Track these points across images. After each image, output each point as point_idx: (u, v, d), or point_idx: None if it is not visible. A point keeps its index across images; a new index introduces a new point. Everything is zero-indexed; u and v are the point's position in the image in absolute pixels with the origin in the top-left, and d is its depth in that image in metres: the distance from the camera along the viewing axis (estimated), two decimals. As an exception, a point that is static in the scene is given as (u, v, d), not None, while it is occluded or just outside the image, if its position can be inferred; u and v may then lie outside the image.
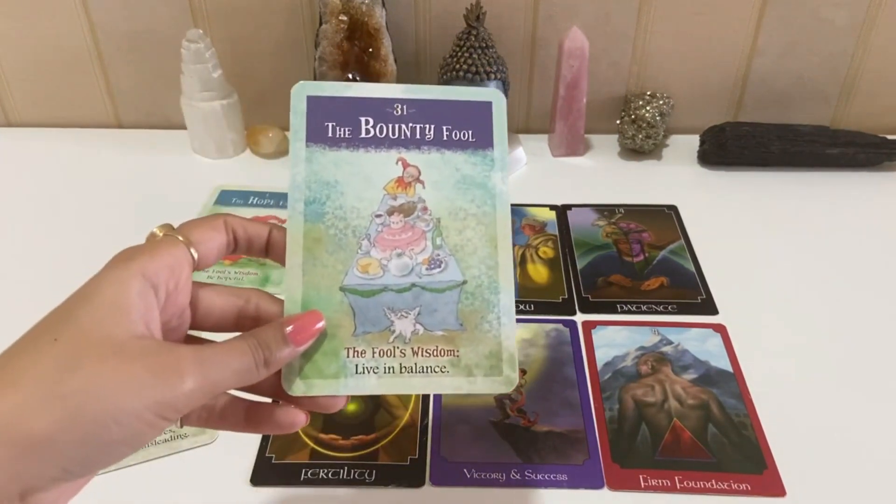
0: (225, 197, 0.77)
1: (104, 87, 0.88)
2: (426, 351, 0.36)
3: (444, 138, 0.39)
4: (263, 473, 0.49)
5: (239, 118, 0.84)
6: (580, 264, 0.69)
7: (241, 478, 0.49)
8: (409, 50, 0.85)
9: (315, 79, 0.77)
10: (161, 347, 0.30)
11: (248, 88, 0.86)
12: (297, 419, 0.35)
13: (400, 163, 0.38)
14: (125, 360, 0.28)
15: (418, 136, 0.38)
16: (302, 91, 0.38)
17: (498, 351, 0.36)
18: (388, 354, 0.35)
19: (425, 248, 0.37)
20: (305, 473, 0.49)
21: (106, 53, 0.86)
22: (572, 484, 0.49)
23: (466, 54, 0.77)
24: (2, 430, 0.26)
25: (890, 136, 0.83)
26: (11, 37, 0.85)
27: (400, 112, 0.38)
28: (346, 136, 0.38)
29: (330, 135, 0.38)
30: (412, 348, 0.36)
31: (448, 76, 0.78)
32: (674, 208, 0.76)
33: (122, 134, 0.90)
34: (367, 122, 0.38)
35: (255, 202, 0.76)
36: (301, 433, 0.52)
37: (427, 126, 0.39)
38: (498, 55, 0.78)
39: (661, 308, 0.64)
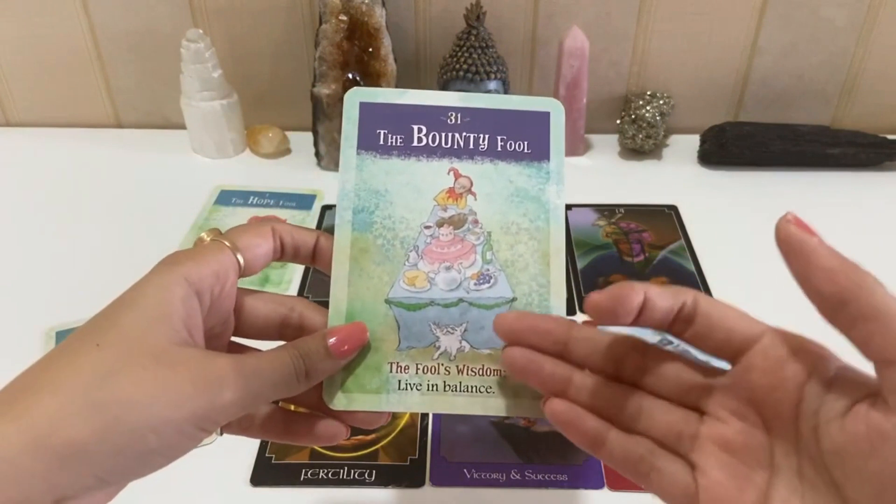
0: (225, 197, 0.77)
1: (104, 87, 0.88)
2: (471, 370, 0.34)
3: (499, 149, 0.37)
4: (263, 473, 0.49)
5: (239, 118, 0.84)
6: (580, 264, 0.69)
7: (241, 478, 0.49)
8: (409, 50, 0.85)
9: (314, 78, 0.77)
10: (203, 357, 0.29)
11: (247, 88, 0.86)
12: (338, 432, 0.34)
13: (452, 173, 0.37)
14: (166, 369, 0.28)
15: (472, 146, 0.37)
16: (355, 97, 0.37)
17: None
18: (433, 371, 0.34)
19: (475, 262, 0.36)
20: (305, 473, 0.49)
21: (106, 53, 0.86)
22: (572, 484, 0.49)
23: (466, 54, 0.77)
24: (39, 438, 0.25)
25: (890, 136, 0.83)
26: (11, 37, 0.84)
27: (454, 120, 0.37)
28: (398, 143, 0.37)
29: (381, 142, 0.37)
30: (457, 366, 0.34)
31: (448, 76, 0.78)
32: (674, 208, 0.76)
33: (121, 134, 0.90)
34: (419, 131, 0.37)
35: (254, 202, 0.76)
36: (301, 433, 0.52)
37: (481, 136, 0.37)
38: (498, 55, 0.78)
39: None
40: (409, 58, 0.85)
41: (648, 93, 0.85)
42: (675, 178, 0.82)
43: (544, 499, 0.48)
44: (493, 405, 0.34)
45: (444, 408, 0.34)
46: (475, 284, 0.35)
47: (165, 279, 0.30)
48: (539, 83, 0.87)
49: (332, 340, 0.32)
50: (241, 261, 0.33)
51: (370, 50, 0.76)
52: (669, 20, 0.82)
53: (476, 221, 0.36)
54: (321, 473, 0.49)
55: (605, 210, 0.76)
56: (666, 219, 0.75)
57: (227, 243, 0.33)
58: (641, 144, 0.83)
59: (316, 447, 0.51)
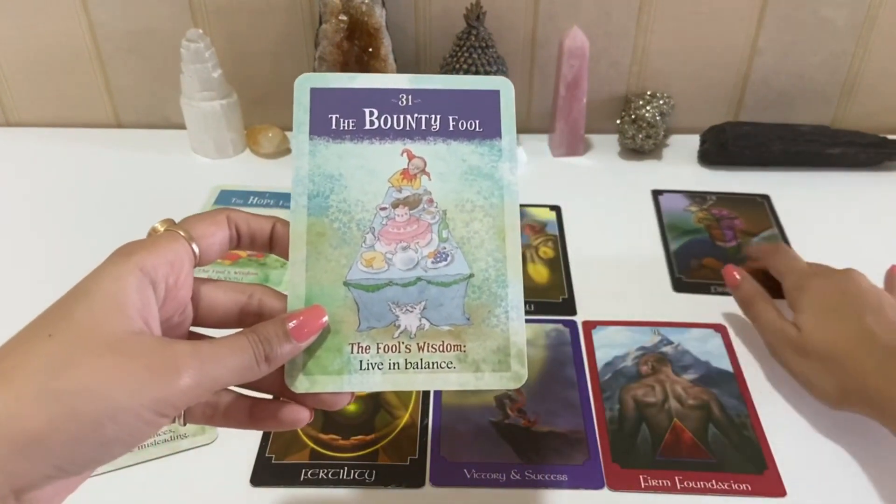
0: (225, 197, 0.77)
1: (104, 87, 0.88)
2: (432, 346, 0.35)
3: (451, 129, 0.38)
4: (263, 473, 0.49)
5: (239, 118, 0.84)
6: (673, 247, 0.71)
7: (241, 478, 0.49)
8: (409, 50, 0.85)
9: (315, 78, 0.77)
10: (158, 343, 0.29)
11: (247, 88, 0.86)
12: (301, 416, 0.35)
13: (405, 154, 0.37)
14: (121, 356, 0.28)
15: (424, 127, 0.38)
16: (305, 83, 0.38)
17: (506, 346, 0.35)
18: (393, 350, 0.35)
19: (431, 241, 0.36)
20: (305, 474, 0.49)
21: (105, 53, 0.86)
22: (572, 484, 0.49)
23: (466, 54, 0.77)
24: None
25: (891, 136, 0.83)
26: (11, 37, 0.84)
27: (405, 102, 0.38)
28: (350, 128, 0.37)
29: (333, 127, 0.37)
30: (417, 344, 0.35)
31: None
32: (766, 197, 0.78)
33: (121, 134, 0.90)
34: (371, 114, 0.38)
35: (254, 202, 0.76)
36: (301, 433, 0.52)
37: (433, 116, 0.38)
38: (498, 55, 0.78)
39: None
40: (409, 58, 0.85)
41: (648, 93, 0.85)
42: (675, 179, 0.82)
43: (544, 499, 0.48)
44: (454, 380, 0.35)
45: (406, 385, 0.35)
46: (432, 263, 0.36)
47: (119, 269, 0.30)
48: (539, 83, 0.87)
49: (291, 324, 0.32)
50: (196, 250, 0.33)
51: (370, 50, 0.76)
52: (669, 20, 0.82)
53: (431, 201, 0.37)
54: (321, 473, 0.49)
55: (697, 197, 0.78)
56: (758, 207, 0.77)
57: (181, 233, 0.33)
58: (641, 144, 0.83)
59: (313, 447, 0.51)
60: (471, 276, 0.36)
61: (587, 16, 0.82)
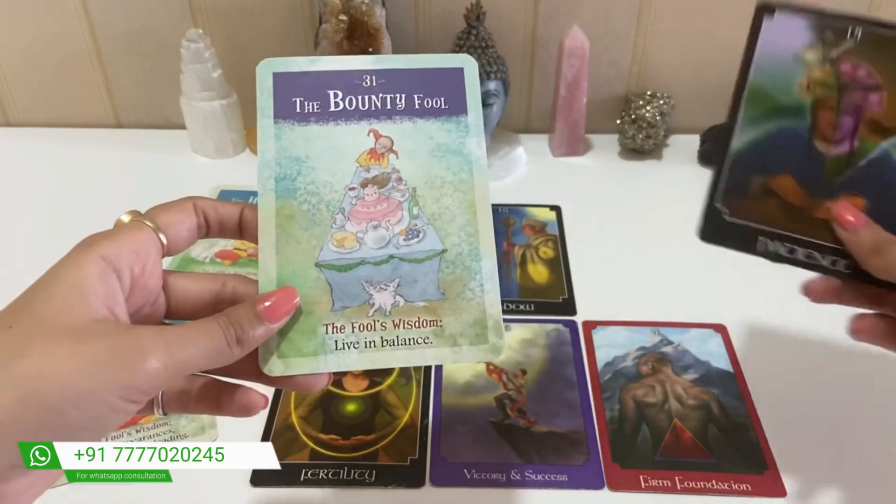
0: (224, 197, 0.77)
1: (104, 87, 0.88)
2: (408, 323, 0.35)
3: (416, 107, 0.38)
4: (263, 474, 0.49)
5: (238, 118, 0.84)
6: (738, 142, 0.41)
7: (241, 478, 0.49)
8: (409, 50, 0.85)
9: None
10: (121, 328, 0.29)
11: (247, 88, 0.85)
12: (255, 401, 0.34)
13: (371, 134, 0.37)
14: (81, 342, 0.27)
15: (389, 107, 0.38)
16: (268, 68, 0.38)
17: (482, 318, 0.35)
18: (369, 328, 0.35)
19: (402, 218, 0.36)
20: (305, 474, 0.49)
21: (105, 53, 0.86)
22: (572, 484, 0.49)
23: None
24: None
25: (890, 136, 0.82)
26: (11, 37, 0.84)
27: (369, 83, 0.38)
28: (315, 110, 0.37)
29: (298, 110, 0.37)
30: (393, 321, 0.35)
31: (448, 76, 0.78)
32: None
33: (121, 134, 0.90)
34: (335, 96, 0.38)
35: (255, 202, 0.76)
36: (301, 433, 0.52)
37: (398, 95, 0.38)
38: (498, 55, 0.78)
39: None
40: (409, 58, 0.85)
41: (648, 93, 0.85)
42: (675, 178, 0.82)
43: (544, 499, 0.48)
44: (432, 355, 0.35)
45: (383, 362, 0.35)
46: (404, 240, 0.36)
47: (79, 258, 0.30)
48: (539, 83, 0.87)
49: (262, 306, 0.32)
50: (164, 239, 0.33)
51: (370, 50, 0.76)
52: (669, 20, 0.82)
53: (400, 179, 0.37)
54: (321, 474, 0.49)
55: (832, 25, 0.40)
56: None
57: (148, 223, 0.33)
58: (641, 144, 0.83)
59: (313, 447, 0.51)
60: (444, 251, 0.36)
61: (587, 16, 0.82)
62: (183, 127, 0.85)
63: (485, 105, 0.77)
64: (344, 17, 0.75)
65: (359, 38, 0.76)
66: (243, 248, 0.69)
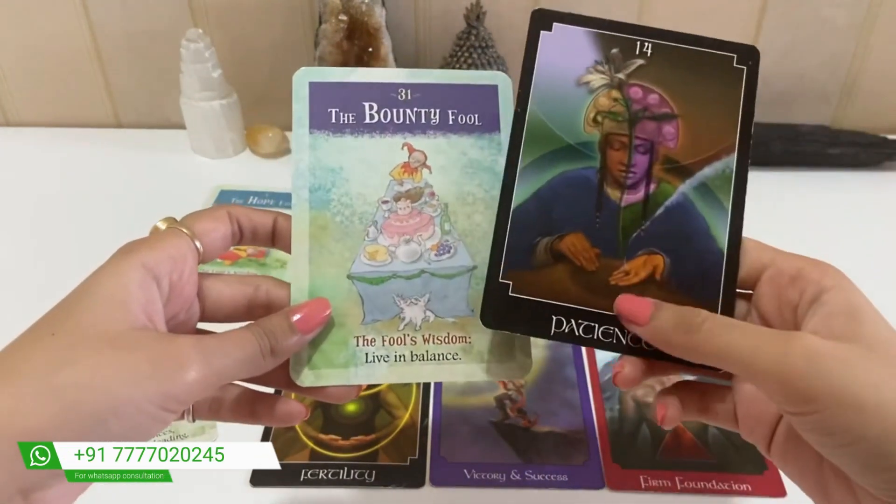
0: (225, 197, 0.77)
1: (103, 87, 0.88)
2: (437, 338, 0.35)
3: (450, 122, 0.38)
4: (263, 474, 0.49)
5: (238, 118, 0.84)
6: (519, 197, 0.34)
7: (240, 478, 0.49)
8: (409, 50, 0.85)
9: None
10: (162, 338, 0.29)
11: (247, 88, 0.86)
12: (296, 411, 0.35)
13: (405, 148, 0.37)
14: (123, 351, 0.28)
15: (424, 121, 0.38)
16: (304, 77, 0.38)
17: (510, 336, 0.35)
18: (399, 342, 0.35)
19: (433, 233, 0.37)
20: (305, 474, 0.49)
21: (105, 53, 0.86)
22: (572, 484, 0.49)
23: (466, 54, 0.77)
24: None
25: (891, 136, 0.83)
26: (11, 37, 0.84)
27: (404, 97, 0.38)
28: (350, 121, 0.37)
29: (333, 121, 0.37)
30: (423, 336, 0.35)
31: (448, 76, 0.78)
32: (752, 52, 0.36)
33: (121, 133, 0.90)
34: (371, 108, 0.38)
35: (255, 202, 0.76)
36: (301, 433, 0.52)
37: (432, 110, 0.38)
38: (498, 55, 0.78)
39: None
40: (409, 58, 0.85)
41: (648, 93, 0.84)
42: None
43: (544, 499, 0.48)
44: (460, 371, 0.35)
45: (412, 377, 0.35)
46: (435, 255, 0.36)
47: (120, 266, 0.30)
48: (539, 83, 0.87)
49: (296, 317, 0.32)
50: (199, 246, 0.33)
51: (370, 50, 0.76)
52: (669, 20, 0.82)
53: (432, 194, 0.37)
54: (321, 474, 0.49)
55: (616, 42, 0.36)
56: (726, 83, 0.36)
57: (184, 230, 0.33)
58: (641, 144, 0.83)
59: (313, 447, 0.51)
60: (474, 267, 0.36)
61: (587, 16, 0.82)
62: (183, 127, 0.85)
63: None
64: (344, 17, 0.75)
65: (359, 37, 0.76)
66: (243, 248, 0.69)
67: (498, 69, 0.77)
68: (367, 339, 0.35)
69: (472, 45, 0.77)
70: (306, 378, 0.34)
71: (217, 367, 0.29)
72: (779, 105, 0.87)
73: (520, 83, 0.35)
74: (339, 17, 0.75)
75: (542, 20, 0.36)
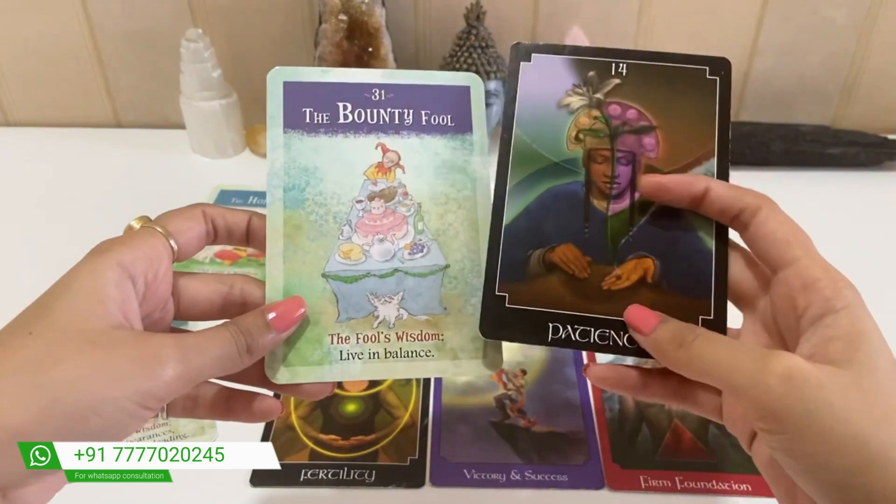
0: (224, 197, 0.77)
1: (103, 87, 0.88)
2: (410, 336, 0.36)
3: (423, 123, 0.38)
4: (263, 474, 0.49)
5: (238, 118, 0.84)
6: (511, 213, 0.36)
7: (240, 478, 0.49)
8: (409, 49, 0.85)
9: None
10: (140, 337, 0.29)
11: (247, 88, 0.85)
12: (272, 408, 0.35)
13: (379, 148, 0.38)
14: (102, 349, 0.28)
15: (397, 121, 0.38)
16: (278, 76, 0.38)
17: None
18: (373, 340, 0.35)
19: (407, 232, 0.37)
20: (305, 474, 0.49)
21: (105, 53, 0.86)
22: (572, 484, 0.49)
23: (466, 54, 0.77)
24: None
25: (891, 136, 0.83)
26: (11, 36, 0.84)
27: (378, 97, 0.38)
28: (325, 121, 0.38)
29: (308, 120, 0.38)
30: (396, 333, 0.36)
31: (448, 76, 0.78)
32: (724, 63, 0.37)
33: (121, 133, 0.90)
34: (345, 108, 0.38)
35: (254, 202, 0.76)
36: (301, 433, 0.52)
37: (406, 111, 0.38)
38: (498, 55, 0.78)
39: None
40: (409, 58, 0.85)
41: (648, 93, 0.84)
42: (675, 178, 0.82)
43: (544, 499, 0.48)
44: (433, 367, 0.36)
45: (385, 374, 0.35)
46: (409, 254, 0.37)
47: (97, 265, 0.30)
48: (539, 83, 0.87)
49: (271, 315, 0.33)
50: (174, 245, 0.33)
51: (370, 49, 0.76)
52: (669, 20, 0.82)
53: (406, 193, 0.38)
54: (321, 474, 0.49)
55: (592, 65, 0.37)
56: (702, 95, 0.37)
57: (158, 229, 0.33)
58: (641, 144, 0.83)
59: (313, 447, 0.51)
60: (447, 266, 0.37)
61: (587, 16, 0.82)
62: (183, 127, 0.85)
63: (485, 105, 0.77)
64: (344, 17, 0.75)
65: (358, 37, 0.76)
66: (243, 248, 0.69)
67: (498, 69, 0.77)
68: (342, 337, 0.35)
69: (472, 45, 0.77)
70: (282, 376, 0.34)
71: (195, 364, 0.30)
72: (779, 105, 0.88)
73: (503, 110, 0.37)
74: (339, 17, 0.75)
75: (521, 53, 0.38)
